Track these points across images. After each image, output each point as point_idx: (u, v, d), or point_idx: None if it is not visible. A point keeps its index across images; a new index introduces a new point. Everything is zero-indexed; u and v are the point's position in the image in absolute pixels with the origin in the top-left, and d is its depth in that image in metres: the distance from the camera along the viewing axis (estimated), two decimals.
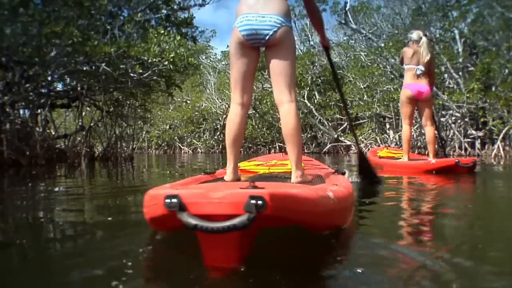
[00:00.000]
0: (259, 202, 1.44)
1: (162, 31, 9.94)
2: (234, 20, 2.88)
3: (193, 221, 1.47)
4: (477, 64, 13.81)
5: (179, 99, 35.60)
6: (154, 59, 9.70)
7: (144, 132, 37.05)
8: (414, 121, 12.21)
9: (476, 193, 4.60)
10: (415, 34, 6.91)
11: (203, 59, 33.18)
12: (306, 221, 1.78)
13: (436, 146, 7.76)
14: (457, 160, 6.09)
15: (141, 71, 9.69)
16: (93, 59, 9.76)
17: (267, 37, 2.76)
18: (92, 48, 8.97)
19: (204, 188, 1.66)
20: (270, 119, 24.95)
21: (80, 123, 13.58)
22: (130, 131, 15.93)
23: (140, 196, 4.14)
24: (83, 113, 15.26)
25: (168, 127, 35.20)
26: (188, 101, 34.11)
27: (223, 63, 32.25)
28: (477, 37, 14.23)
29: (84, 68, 10.45)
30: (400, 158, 7.45)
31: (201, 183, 2.74)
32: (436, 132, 7.35)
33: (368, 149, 18.94)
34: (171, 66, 10.11)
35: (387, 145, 17.57)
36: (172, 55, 9.71)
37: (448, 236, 2.44)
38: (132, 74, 10.08)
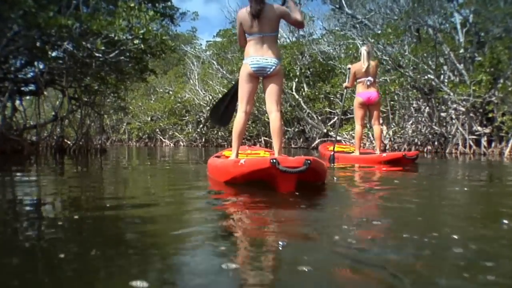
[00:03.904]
0: (309, 161, 3.31)
1: (132, 5, 8.49)
2: (243, 58, 4.63)
3: (283, 168, 3.26)
4: (485, 54, 12.56)
5: (161, 90, 34.16)
6: (122, 36, 8.26)
7: (124, 124, 35.62)
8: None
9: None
10: (363, 49, 8.29)
11: (187, 49, 31.70)
12: (319, 175, 3.82)
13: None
14: (404, 154, 7.68)
15: (103, 48, 8.24)
16: (53, 36, 8.34)
17: (269, 72, 4.46)
18: (46, 20, 7.52)
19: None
20: (256, 112, 23.61)
21: (54, 112, 12.26)
22: (104, 121, 14.52)
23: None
24: (57, 102, 13.89)
25: (149, 118, 33.69)
26: (171, 92, 32.62)
27: (207, 53, 30.81)
28: (487, 24, 12.93)
29: (43, 46, 8.98)
30: (351, 152, 9.08)
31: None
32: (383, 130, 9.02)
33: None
34: (142, 46, 8.71)
35: (331, 141, 16.86)
36: (142, 32, 8.28)
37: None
38: (97, 54, 8.64)
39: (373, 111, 8.37)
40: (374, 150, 8.99)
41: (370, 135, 18.04)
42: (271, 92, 4.51)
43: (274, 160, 3.30)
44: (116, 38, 8.32)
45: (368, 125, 12.22)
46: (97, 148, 13.77)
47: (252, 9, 4.39)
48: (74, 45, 8.51)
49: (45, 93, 10.89)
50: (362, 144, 10.28)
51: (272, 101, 4.49)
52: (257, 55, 4.44)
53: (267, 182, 3.63)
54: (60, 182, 4.97)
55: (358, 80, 8.32)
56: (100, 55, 8.68)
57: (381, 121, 8.80)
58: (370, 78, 8.13)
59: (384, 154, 7.86)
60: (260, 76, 4.54)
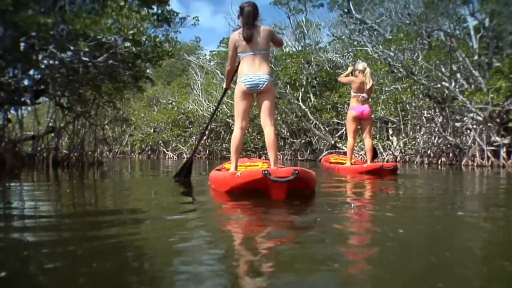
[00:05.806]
0: (297, 171, 3.71)
1: (122, 3, 7.75)
2: (237, 77, 4.95)
3: (274, 178, 3.68)
4: (503, 59, 11.74)
5: (164, 101, 33.51)
6: (109, 37, 7.51)
7: (127, 136, 34.95)
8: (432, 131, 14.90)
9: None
10: (361, 65, 8.78)
11: (191, 59, 31.13)
12: (308, 184, 4.22)
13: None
14: (381, 164, 8.28)
15: (87, 49, 7.49)
16: (35, 38, 7.61)
17: (261, 88, 4.75)
18: (24, 19, 6.79)
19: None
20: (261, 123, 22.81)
21: (50, 124, 11.58)
22: (106, 133, 13.76)
23: None
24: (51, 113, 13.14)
25: (152, 130, 32.97)
26: (174, 103, 31.91)
27: (211, 63, 30.15)
28: (505, 26, 12.13)
29: (26, 50, 8.26)
30: (344, 163, 9.87)
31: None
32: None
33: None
34: (134, 49, 7.97)
35: (338, 153, 16.65)
36: (131, 32, 7.53)
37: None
38: (84, 58, 7.89)
39: (365, 125, 8.88)
40: (365, 162, 9.64)
41: (380, 147, 17.29)
42: (265, 107, 4.79)
43: (266, 172, 3.75)
44: (103, 39, 7.58)
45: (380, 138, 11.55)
46: (91, 161, 13.02)
47: (244, 33, 4.71)
48: (58, 47, 7.75)
49: (27, 101, 10.09)
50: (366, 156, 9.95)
51: (266, 116, 4.78)
52: (250, 73, 4.72)
53: (261, 191, 3.98)
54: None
55: (353, 95, 8.88)
56: (88, 59, 7.93)
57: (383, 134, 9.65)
58: (364, 94, 8.68)
59: (365, 165, 8.55)
60: (253, 93, 4.82)
